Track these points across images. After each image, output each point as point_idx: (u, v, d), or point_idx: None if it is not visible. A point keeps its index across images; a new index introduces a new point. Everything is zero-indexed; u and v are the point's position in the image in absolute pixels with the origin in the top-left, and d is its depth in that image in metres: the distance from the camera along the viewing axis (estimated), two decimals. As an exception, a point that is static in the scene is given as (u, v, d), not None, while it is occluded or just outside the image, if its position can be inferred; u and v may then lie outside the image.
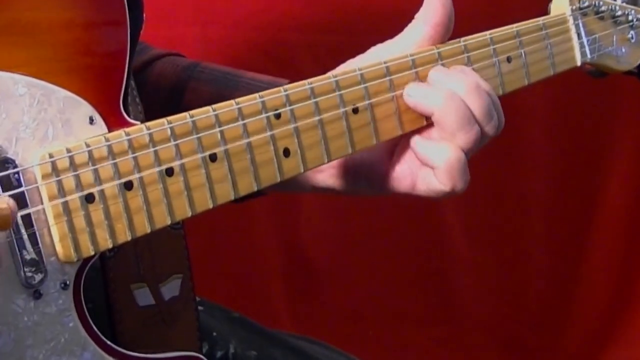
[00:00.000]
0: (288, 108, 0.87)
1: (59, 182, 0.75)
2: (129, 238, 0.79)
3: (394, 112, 0.94)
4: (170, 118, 0.81)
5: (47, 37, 0.78)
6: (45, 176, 0.75)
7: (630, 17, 1.20)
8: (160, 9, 1.84)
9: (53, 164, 0.75)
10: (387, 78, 0.94)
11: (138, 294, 0.93)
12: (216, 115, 0.83)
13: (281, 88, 0.87)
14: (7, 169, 0.74)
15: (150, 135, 0.79)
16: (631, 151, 2.29)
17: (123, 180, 0.78)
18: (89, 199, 0.77)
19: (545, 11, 1.13)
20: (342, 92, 0.91)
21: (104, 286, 0.91)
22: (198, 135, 0.82)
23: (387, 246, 2.20)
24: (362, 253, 2.18)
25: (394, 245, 2.20)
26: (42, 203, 0.75)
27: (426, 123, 0.96)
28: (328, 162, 0.91)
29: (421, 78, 0.96)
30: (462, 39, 0.99)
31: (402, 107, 0.95)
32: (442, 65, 0.97)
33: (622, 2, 1.20)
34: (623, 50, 1.20)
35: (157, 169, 0.80)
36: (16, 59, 0.76)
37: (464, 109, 0.92)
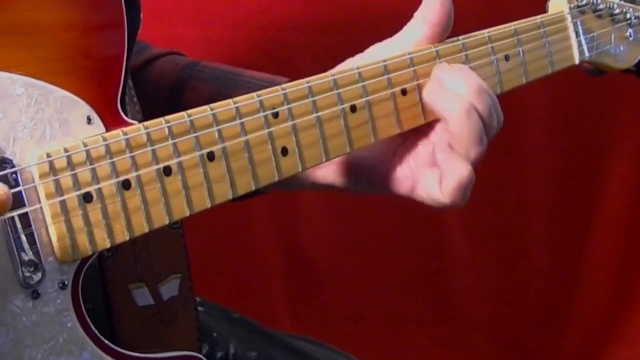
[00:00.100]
0: (286, 107, 0.87)
1: (57, 182, 0.75)
2: (127, 238, 0.79)
3: (392, 110, 0.94)
4: (167, 117, 0.81)
5: (45, 37, 0.78)
6: (42, 175, 0.75)
7: (628, 15, 1.20)
8: (160, 9, 1.84)
9: (50, 163, 0.75)
10: (385, 76, 0.94)
11: (137, 294, 0.93)
12: (214, 114, 0.83)
13: (279, 87, 0.87)
14: (4, 168, 0.74)
15: (148, 134, 0.79)
16: (631, 151, 2.28)
17: (121, 179, 0.78)
18: (87, 198, 0.77)
19: (543, 9, 1.13)
20: (340, 90, 0.91)
21: (102, 286, 0.91)
22: (196, 134, 0.82)
23: (387, 246, 2.20)
24: (362, 253, 2.17)
25: (394, 245, 2.20)
26: (39, 203, 0.75)
27: (424, 122, 0.96)
28: (326, 160, 0.91)
29: (419, 76, 0.96)
30: (460, 37, 1.00)
31: (400, 105, 0.95)
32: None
33: (620, 0, 1.20)
34: (621, 48, 1.20)
35: (155, 168, 0.80)
36: (14, 59, 0.76)
37: (479, 126, 0.92)
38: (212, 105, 0.83)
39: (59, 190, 0.75)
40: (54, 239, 0.76)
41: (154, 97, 1.13)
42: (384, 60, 0.94)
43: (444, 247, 2.25)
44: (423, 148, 0.97)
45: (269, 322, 1.30)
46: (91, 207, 0.77)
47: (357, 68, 0.92)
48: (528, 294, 2.31)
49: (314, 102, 0.89)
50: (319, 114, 0.89)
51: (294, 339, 1.26)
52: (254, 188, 0.85)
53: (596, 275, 2.31)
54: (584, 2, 1.13)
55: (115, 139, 0.78)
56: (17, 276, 0.74)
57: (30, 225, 0.74)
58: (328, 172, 1.01)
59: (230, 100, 0.84)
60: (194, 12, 1.91)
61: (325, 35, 1.98)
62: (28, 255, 0.75)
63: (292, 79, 0.96)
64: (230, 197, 0.84)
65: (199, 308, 1.02)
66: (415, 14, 0.97)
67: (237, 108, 0.84)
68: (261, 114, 0.85)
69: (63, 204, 0.76)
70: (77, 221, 0.76)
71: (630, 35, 1.21)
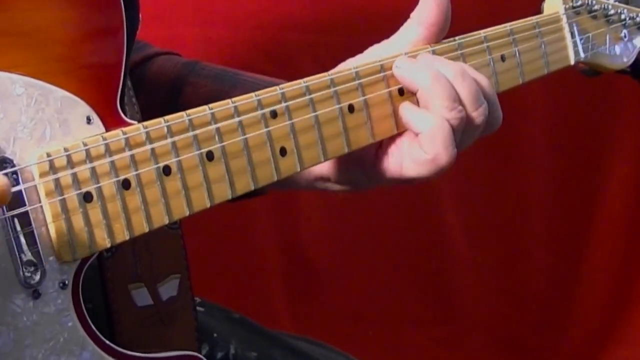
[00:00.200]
0: (284, 104, 0.87)
1: (57, 181, 0.75)
2: (127, 237, 0.79)
3: (389, 110, 0.95)
4: (167, 117, 0.81)
5: (44, 37, 0.78)
6: (42, 175, 0.75)
7: (623, 16, 1.20)
8: (160, 9, 1.84)
9: (51, 163, 0.75)
10: (382, 74, 0.94)
11: (136, 294, 0.93)
12: (212, 114, 0.83)
13: (277, 87, 0.87)
14: (4, 168, 0.74)
15: (148, 134, 0.80)
16: (631, 151, 2.29)
17: (121, 178, 0.78)
18: (87, 198, 0.77)
19: (538, 10, 1.13)
20: (337, 88, 0.91)
21: (102, 286, 0.91)
22: (195, 134, 0.82)
23: (387, 246, 2.20)
24: (362, 253, 2.17)
25: (393, 246, 2.20)
26: (39, 202, 0.75)
27: None
28: (325, 160, 0.91)
29: None
30: (457, 37, 1.00)
31: (398, 105, 0.95)
32: None
33: (615, 1, 1.20)
34: (616, 49, 1.20)
35: (155, 167, 0.80)
36: (14, 59, 0.76)
37: (448, 88, 0.92)
38: (211, 105, 0.83)
39: (59, 189, 0.76)
40: (54, 238, 0.76)
41: (153, 93, 1.13)
42: (381, 60, 0.94)
43: (444, 247, 2.25)
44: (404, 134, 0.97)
45: (269, 322, 1.30)
46: (91, 207, 0.77)
47: (355, 68, 0.92)
48: (528, 294, 2.31)
49: (311, 101, 0.89)
50: (317, 113, 0.89)
51: (294, 339, 1.26)
52: (253, 188, 0.86)
53: (596, 275, 2.31)
54: (579, 3, 1.14)
55: (114, 138, 0.78)
56: (17, 276, 0.75)
57: (31, 225, 0.75)
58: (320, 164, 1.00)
59: (228, 100, 0.84)
60: (194, 12, 1.91)
61: (325, 35, 1.98)
62: (28, 255, 0.75)
63: (292, 79, 0.96)
64: (230, 197, 0.84)
65: (199, 308, 1.03)
66: (412, 15, 0.98)
67: (235, 107, 0.84)
68: (259, 111, 0.86)
69: (63, 203, 0.76)
70: (78, 221, 0.76)
71: (625, 36, 1.21)
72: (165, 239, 0.96)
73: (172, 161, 0.81)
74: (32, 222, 0.75)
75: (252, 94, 0.86)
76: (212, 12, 1.93)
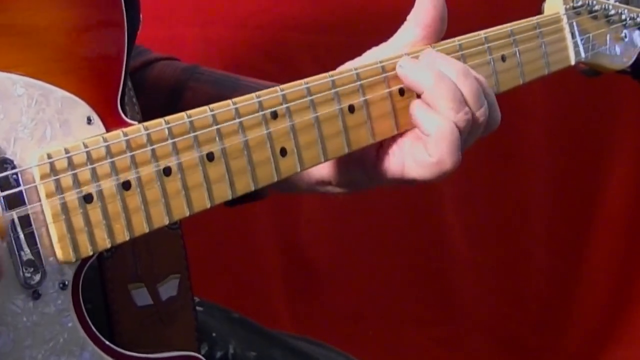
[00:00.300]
0: (284, 105, 0.87)
1: (57, 182, 0.75)
2: (127, 238, 0.79)
3: (389, 110, 0.95)
4: (167, 118, 0.81)
5: (45, 37, 0.78)
6: (43, 176, 0.75)
7: (623, 17, 1.20)
8: (160, 9, 1.84)
9: (51, 164, 0.75)
10: (383, 77, 0.94)
11: (136, 294, 0.93)
12: (213, 115, 0.83)
13: (277, 88, 0.87)
14: (5, 169, 0.74)
15: (148, 135, 0.80)
16: (631, 151, 2.29)
17: (121, 179, 0.78)
18: (87, 198, 0.77)
19: (539, 11, 1.13)
20: (338, 89, 0.91)
21: (101, 286, 0.91)
22: (195, 135, 0.82)
23: (387, 246, 2.20)
24: (362, 253, 2.17)
25: (393, 246, 2.20)
26: (40, 203, 0.75)
27: None
28: (325, 161, 0.91)
29: None
30: (457, 38, 1.00)
31: (398, 105, 0.95)
32: None
33: (615, 2, 1.20)
34: (616, 49, 1.20)
35: (155, 168, 0.80)
36: (14, 59, 0.76)
37: (454, 90, 0.92)
38: (211, 106, 0.83)
39: (60, 190, 0.76)
40: (55, 239, 0.76)
41: (153, 99, 1.13)
42: (382, 61, 0.94)
43: (444, 247, 2.25)
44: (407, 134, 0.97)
45: (269, 322, 1.30)
46: (91, 208, 0.77)
47: (355, 69, 0.92)
48: (528, 294, 2.31)
49: (312, 102, 0.89)
50: (318, 114, 0.89)
51: (293, 339, 1.26)
52: (253, 188, 0.86)
53: (596, 275, 2.31)
54: (579, 3, 1.14)
55: (115, 139, 0.78)
56: (17, 276, 0.75)
57: (31, 225, 0.75)
58: (321, 166, 1.00)
59: (229, 101, 0.84)
60: (194, 12, 1.91)
61: (325, 35, 1.98)
62: (28, 255, 0.75)
63: (292, 79, 0.96)
64: (230, 197, 0.84)
65: (199, 308, 1.03)
66: (408, 17, 0.98)
67: (236, 109, 0.84)
68: (260, 113, 0.86)
69: (64, 203, 0.76)
70: (78, 221, 0.76)
71: (626, 36, 1.21)
72: (166, 239, 0.96)
73: (172, 162, 0.81)
74: (32, 223, 0.75)
75: (253, 95, 0.86)
76: (212, 12, 1.93)
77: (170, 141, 0.81)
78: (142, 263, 0.94)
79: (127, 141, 0.79)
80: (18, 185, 0.74)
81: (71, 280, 0.78)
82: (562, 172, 2.28)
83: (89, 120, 0.79)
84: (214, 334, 1.14)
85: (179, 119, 0.81)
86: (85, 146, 0.77)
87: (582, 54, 1.14)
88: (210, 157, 0.83)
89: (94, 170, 0.77)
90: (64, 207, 0.76)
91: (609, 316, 2.30)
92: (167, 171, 0.80)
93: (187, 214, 0.82)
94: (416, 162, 0.94)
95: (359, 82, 0.92)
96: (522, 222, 2.30)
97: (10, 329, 0.75)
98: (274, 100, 0.87)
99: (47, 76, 0.77)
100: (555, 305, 2.31)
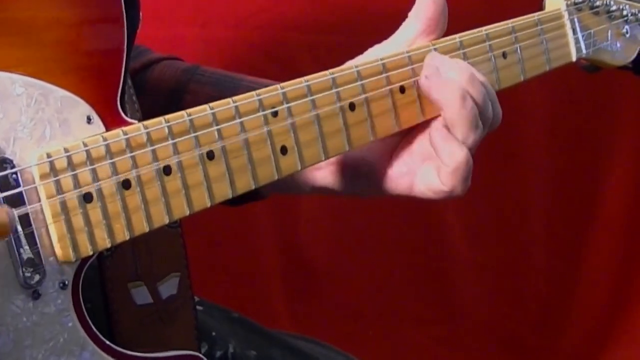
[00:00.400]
0: (285, 106, 0.87)
1: (57, 182, 0.75)
2: (127, 237, 0.79)
3: (390, 108, 0.95)
4: (167, 117, 0.81)
5: (44, 36, 0.78)
6: (43, 176, 0.75)
7: (624, 12, 1.20)
8: (160, 9, 1.84)
9: (51, 163, 0.75)
10: (384, 75, 0.94)
11: (136, 293, 0.93)
12: (213, 114, 0.83)
13: (278, 86, 0.87)
14: (5, 169, 0.74)
15: (148, 134, 0.79)
16: (631, 151, 2.29)
17: (121, 179, 0.78)
18: (87, 198, 0.77)
19: (540, 7, 1.13)
20: (339, 89, 0.91)
21: (101, 285, 0.91)
22: (195, 134, 0.82)
23: (387, 246, 2.20)
24: (362, 253, 2.18)
25: (393, 245, 2.20)
26: (39, 203, 0.75)
27: (423, 119, 0.96)
28: (326, 159, 0.91)
29: (418, 74, 0.96)
30: (458, 35, 1.00)
31: (399, 102, 0.95)
32: None
33: (617, -3, 1.20)
34: (618, 45, 1.20)
35: (155, 167, 0.80)
36: (14, 59, 0.76)
37: (475, 112, 0.93)
38: (211, 104, 0.83)
39: (59, 190, 0.75)
40: (55, 238, 0.76)
41: (154, 100, 1.13)
42: (382, 59, 0.94)
43: (444, 247, 2.25)
44: (418, 145, 0.97)
45: (268, 321, 1.30)
46: (91, 207, 0.77)
47: (356, 67, 0.92)
48: (528, 294, 2.31)
49: (312, 101, 0.89)
50: (318, 112, 0.89)
51: (293, 338, 1.26)
52: (253, 187, 0.85)
53: (596, 275, 2.31)
54: (580, -1, 1.14)
55: (115, 138, 0.78)
56: (17, 276, 0.75)
57: (31, 225, 0.75)
58: (326, 174, 1.01)
59: (229, 100, 0.84)
60: (194, 12, 1.91)
61: (325, 35, 1.98)
62: (28, 255, 0.75)
63: (292, 79, 0.96)
64: (230, 196, 0.84)
65: (198, 307, 1.02)
66: (410, 13, 0.99)
67: (236, 107, 0.84)
68: (260, 113, 0.86)
69: (63, 203, 0.76)
70: (78, 221, 0.76)
71: (627, 32, 1.21)
72: (165, 237, 0.95)
73: (172, 161, 0.80)
74: (32, 223, 0.75)
75: (253, 93, 0.86)
76: (212, 12, 1.93)
77: (170, 140, 0.80)
78: (141, 262, 0.94)
79: (127, 140, 0.79)
80: (18, 184, 0.74)
81: (71, 280, 0.78)
82: (561, 172, 2.28)
83: (89, 120, 0.79)
84: (213, 334, 1.14)
85: (179, 117, 0.81)
86: (85, 145, 0.77)
87: (584, 50, 1.14)
88: (210, 155, 0.82)
89: (93, 170, 0.77)
90: (64, 206, 0.76)
91: (609, 316, 2.30)
92: (167, 170, 0.80)
93: (188, 213, 0.82)
94: (427, 187, 0.95)
95: (359, 80, 0.92)
96: (522, 222, 2.30)
97: (10, 329, 0.75)
98: (274, 98, 0.87)
99: (47, 75, 0.77)
100: (554, 305, 2.31)
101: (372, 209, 2.13)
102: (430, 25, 0.97)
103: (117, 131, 0.79)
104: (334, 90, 0.90)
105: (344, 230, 2.15)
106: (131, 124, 0.81)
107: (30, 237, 0.75)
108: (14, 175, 0.74)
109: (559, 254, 2.32)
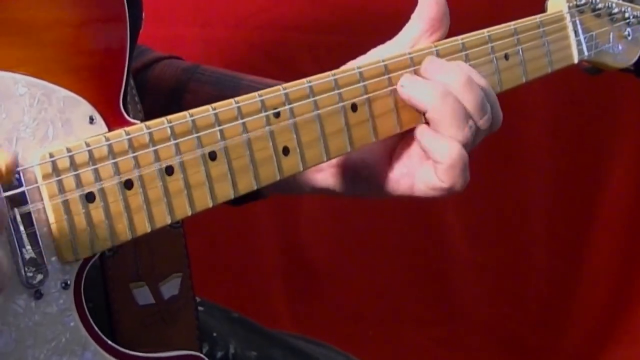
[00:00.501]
0: (287, 107, 0.87)
1: (59, 182, 0.75)
2: (130, 237, 0.79)
3: (392, 109, 0.95)
4: (170, 117, 0.81)
5: (46, 36, 0.78)
6: (45, 176, 0.75)
7: (626, 15, 1.20)
8: (160, 9, 1.84)
9: (53, 163, 0.75)
10: (386, 76, 0.94)
11: (137, 293, 0.93)
12: (215, 114, 0.83)
13: (280, 87, 0.87)
14: (7, 168, 0.74)
15: (150, 134, 0.80)
16: (631, 151, 2.29)
17: (123, 179, 0.78)
18: (90, 198, 0.77)
19: (542, 9, 1.13)
20: (341, 90, 0.91)
21: (103, 285, 0.91)
22: (198, 135, 0.82)
23: (387, 246, 2.20)
24: (362, 253, 2.18)
25: (393, 246, 2.20)
26: (42, 202, 0.75)
27: (424, 120, 0.97)
28: (327, 160, 0.91)
29: (419, 75, 0.96)
30: (460, 36, 1.00)
31: (401, 104, 0.95)
32: None
33: (619, 0, 1.20)
34: (620, 47, 1.20)
35: (157, 167, 0.80)
36: (16, 59, 0.76)
37: (458, 108, 0.93)
38: (214, 105, 0.83)
39: (62, 190, 0.76)
40: (57, 238, 0.76)
41: (154, 100, 1.13)
42: (384, 60, 0.94)
43: (444, 247, 2.25)
44: (415, 146, 0.97)
45: (269, 322, 1.30)
46: (94, 207, 0.77)
47: (358, 68, 0.92)
48: (528, 294, 2.31)
49: (315, 102, 0.89)
50: (320, 112, 0.89)
51: (293, 338, 1.26)
52: (255, 187, 0.86)
53: (596, 275, 2.31)
54: (582, 2, 1.14)
55: (117, 139, 0.78)
56: (19, 276, 0.75)
57: (33, 225, 0.75)
58: (327, 175, 1.01)
59: (232, 100, 0.84)
60: (194, 12, 1.91)
61: (325, 35, 1.98)
62: (30, 255, 0.75)
63: (292, 79, 0.96)
64: (232, 196, 0.84)
65: (199, 308, 1.02)
66: (412, 15, 0.99)
67: (238, 108, 0.84)
68: (263, 114, 0.86)
69: (66, 204, 0.76)
70: (80, 221, 0.76)
71: (629, 35, 1.21)
72: (167, 237, 0.95)
73: (174, 161, 0.81)
74: (35, 223, 0.75)
75: (256, 94, 0.86)
76: (212, 12, 1.93)
77: (172, 141, 0.80)
78: (143, 262, 0.94)
79: (129, 140, 0.79)
80: (20, 184, 0.74)
81: (73, 280, 0.78)
82: (562, 173, 2.28)
83: (91, 120, 0.79)
84: (214, 334, 1.14)
85: (181, 118, 0.81)
86: (87, 145, 0.77)
87: (585, 52, 1.14)
88: (212, 156, 0.83)
89: (96, 170, 0.77)
90: (66, 206, 0.76)
91: (609, 316, 2.30)
92: (169, 170, 0.80)
93: (190, 213, 0.82)
94: (427, 186, 0.96)
95: (361, 81, 0.92)
96: (522, 222, 2.30)
97: (12, 329, 0.75)
98: (276, 99, 0.87)
99: (50, 75, 0.77)
100: (555, 305, 2.31)
101: (372, 210, 2.13)
102: (434, 25, 0.98)
103: (120, 131, 0.79)
104: (336, 92, 0.91)
105: (344, 231, 2.15)
106: (133, 124, 0.81)
107: (33, 237, 0.75)
108: (17, 175, 0.74)
109: (560, 255, 2.32)
